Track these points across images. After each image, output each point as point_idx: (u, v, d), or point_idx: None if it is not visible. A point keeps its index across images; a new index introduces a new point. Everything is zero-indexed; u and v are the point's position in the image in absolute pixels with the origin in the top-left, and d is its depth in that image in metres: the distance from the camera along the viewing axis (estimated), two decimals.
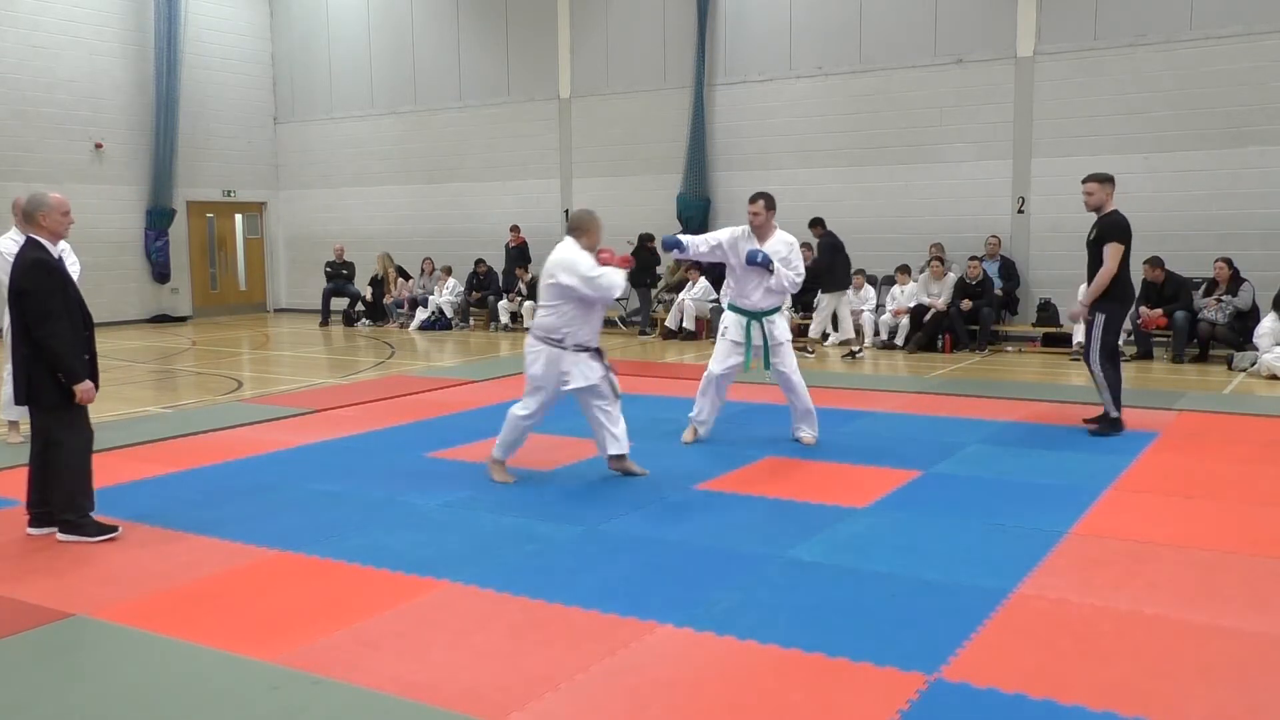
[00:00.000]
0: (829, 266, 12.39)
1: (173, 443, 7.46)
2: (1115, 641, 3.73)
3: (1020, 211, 13.53)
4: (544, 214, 16.92)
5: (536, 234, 16.22)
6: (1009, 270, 13.32)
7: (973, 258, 12.97)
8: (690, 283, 14.63)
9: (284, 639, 3.83)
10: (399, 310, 17.06)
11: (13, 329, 4.98)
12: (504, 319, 16.01)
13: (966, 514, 5.37)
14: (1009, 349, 12.84)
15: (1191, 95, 12.46)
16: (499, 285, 16.59)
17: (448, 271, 16.86)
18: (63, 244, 5.34)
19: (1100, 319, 7.24)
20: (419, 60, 18.28)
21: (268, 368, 12.54)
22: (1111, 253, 7.15)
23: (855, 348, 12.39)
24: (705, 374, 7.12)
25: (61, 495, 4.95)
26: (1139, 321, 11.73)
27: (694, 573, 4.52)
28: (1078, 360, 11.57)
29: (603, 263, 5.89)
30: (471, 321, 16.66)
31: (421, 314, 16.62)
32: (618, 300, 15.72)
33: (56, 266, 4.91)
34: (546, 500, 5.79)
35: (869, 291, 13.74)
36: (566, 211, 16.83)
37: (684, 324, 14.50)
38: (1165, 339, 11.79)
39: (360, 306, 17.60)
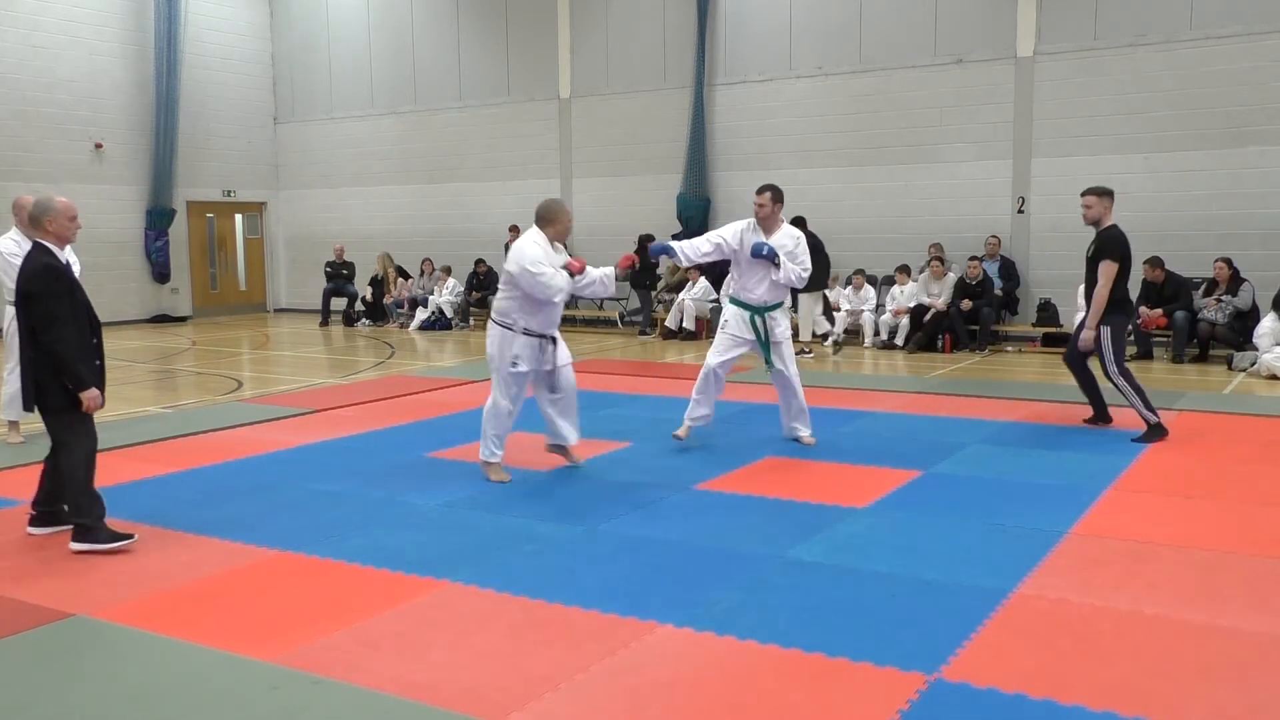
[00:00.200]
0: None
1: (173, 443, 7.46)
2: (1115, 641, 3.73)
3: (1020, 211, 13.53)
4: None
5: None
6: (1009, 270, 13.32)
7: (973, 258, 12.97)
8: (690, 283, 14.63)
9: (284, 639, 3.83)
10: (399, 310, 17.06)
11: (19, 333, 4.96)
12: None
13: (966, 514, 5.37)
14: (1009, 349, 12.84)
15: (1191, 95, 12.46)
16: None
17: (447, 271, 16.86)
18: None
19: (1105, 332, 7.26)
20: (419, 60, 18.28)
21: (268, 368, 12.54)
22: (1105, 271, 7.19)
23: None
24: (704, 368, 7.01)
25: (69, 501, 4.92)
26: (1139, 321, 11.73)
27: (694, 573, 4.52)
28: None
29: (568, 268, 6.01)
30: (471, 321, 16.66)
31: (421, 314, 16.62)
32: (617, 300, 15.93)
33: (64, 272, 4.88)
34: (546, 500, 5.79)
35: (869, 291, 13.74)
36: None
37: (684, 324, 14.50)
38: (1165, 339, 11.79)
39: (360, 306, 17.60)
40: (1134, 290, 11.83)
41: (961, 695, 3.31)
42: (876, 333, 13.37)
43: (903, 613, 4.02)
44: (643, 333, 15.05)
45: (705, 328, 14.20)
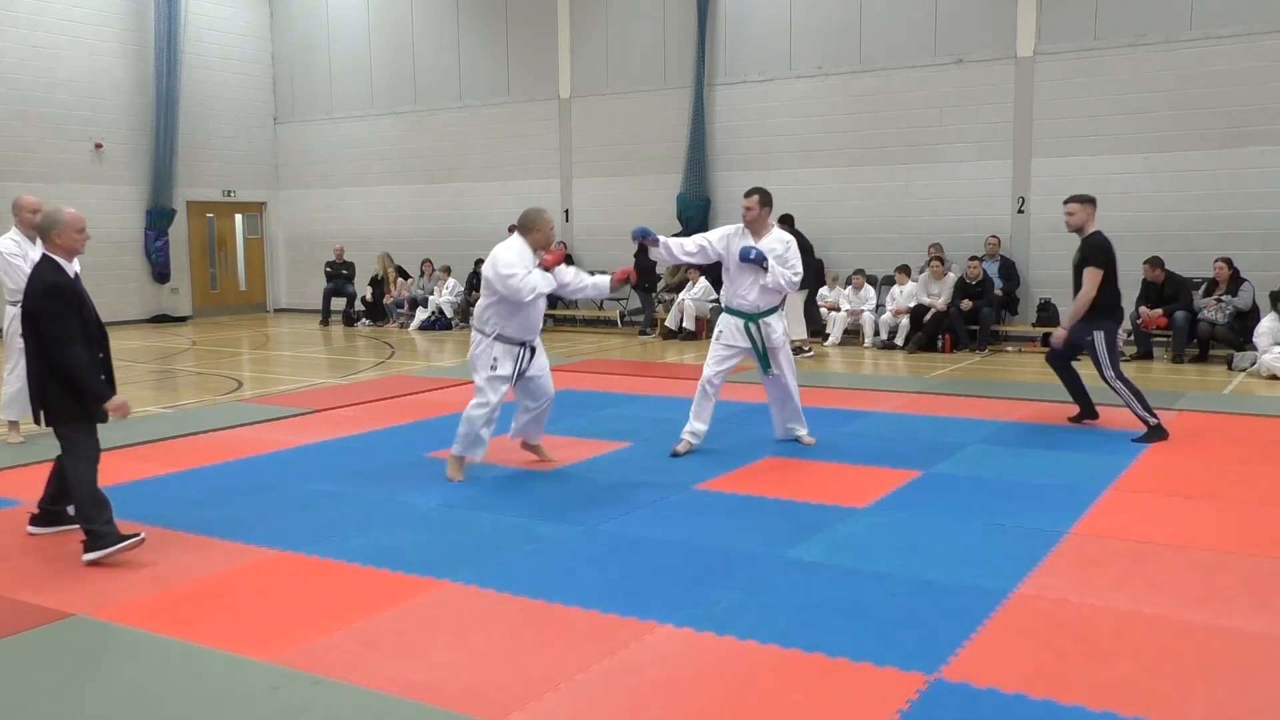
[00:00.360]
0: None
1: (173, 443, 7.46)
2: (1115, 641, 3.73)
3: (1020, 211, 13.53)
4: None
5: None
6: (1009, 270, 13.32)
7: (973, 258, 12.97)
8: (690, 282, 14.64)
9: (284, 639, 3.83)
10: (399, 310, 17.06)
11: (26, 346, 4.89)
12: None
13: (966, 514, 5.37)
14: (1009, 349, 12.84)
15: (1191, 95, 12.46)
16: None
17: (447, 271, 16.87)
18: None
19: (1099, 337, 7.32)
20: (419, 60, 18.28)
21: (268, 368, 12.54)
22: (1090, 278, 7.25)
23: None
24: (701, 380, 6.87)
25: (77, 509, 4.86)
26: (1139, 321, 11.74)
27: (694, 573, 4.52)
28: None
29: (543, 264, 6.07)
30: (471, 321, 16.64)
31: (421, 314, 16.62)
32: (618, 300, 15.92)
33: (71, 289, 4.78)
34: (546, 500, 5.79)
35: (869, 291, 13.75)
36: (567, 212, 16.85)
37: (684, 324, 14.49)
38: (1165, 339, 11.80)
39: (360, 306, 17.60)
40: (1134, 290, 11.97)
41: (961, 695, 3.31)
42: (876, 333, 13.37)
43: (903, 613, 4.02)
44: (643, 333, 15.05)
45: (705, 328, 14.19)
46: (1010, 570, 4.47)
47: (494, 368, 6.13)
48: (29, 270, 5.11)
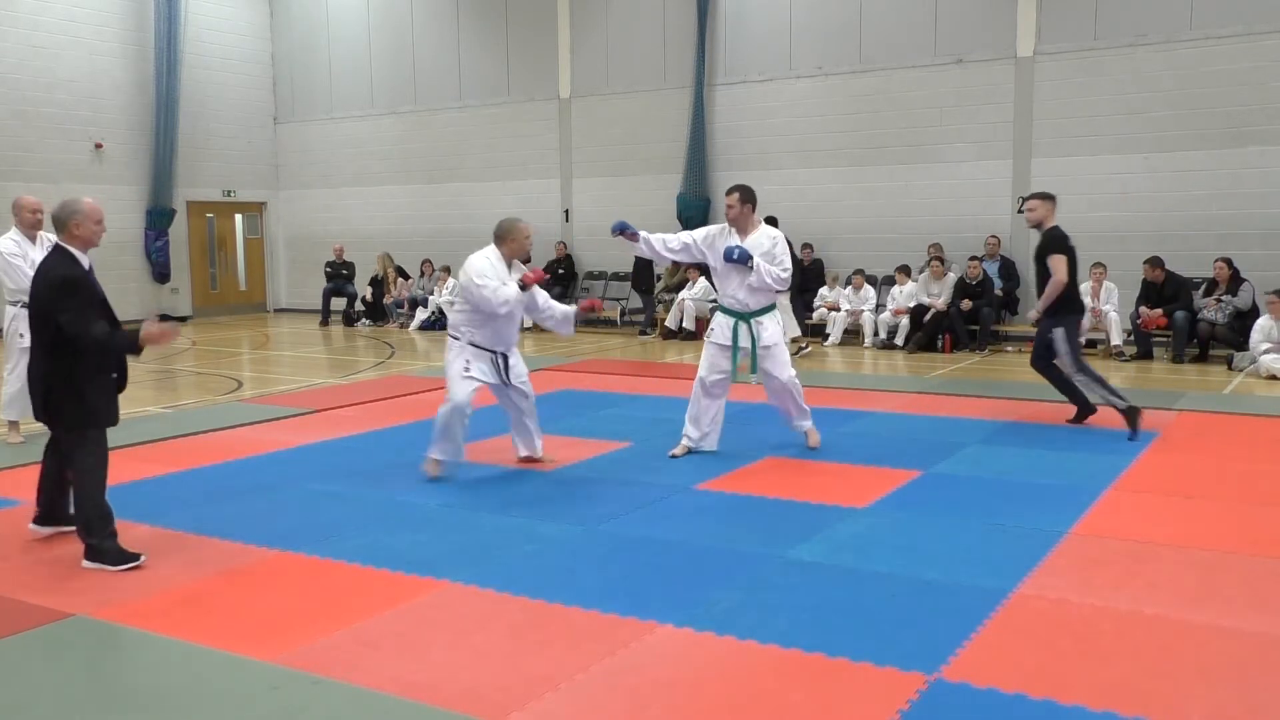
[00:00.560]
0: None
1: (173, 443, 7.46)
2: (1115, 641, 3.73)
3: (1020, 211, 13.48)
4: (544, 214, 16.91)
5: (537, 234, 15.91)
6: (1009, 270, 13.32)
7: (973, 258, 12.97)
8: (690, 282, 14.63)
9: (284, 639, 3.83)
10: (399, 310, 17.06)
11: (32, 343, 4.76)
12: None
13: (966, 514, 5.37)
14: (1009, 349, 12.84)
15: (1191, 95, 12.46)
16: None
17: (447, 271, 16.84)
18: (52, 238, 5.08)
19: (1059, 333, 7.50)
20: (419, 60, 18.28)
21: (268, 368, 12.54)
22: (1057, 262, 7.46)
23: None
24: (695, 382, 6.85)
25: (79, 518, 4.78)
26: (1139, 321, 11.74)
27: (694, 573, 4.52)
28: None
29: (524, 279, 6.08)
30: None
31: (421, 314, 16.61)
32: (617, 300, 15.92)
33: (86, 283, 4.66)
34: (546, 500, 5.79)
35: (869, 291, 13.75)
36: (567, 212, 16.85)
37: (684, 324, 14.49)
38: (1165, 339, 11.79)
39: (360, 306, 17.60)
40: (1134, 290, 11.98)
41: (961, 695, 3.31)
42: (876, 333, 13.36)
43: (903, 613, 4.02)
44: (643, 333, 15.05)
45: (705, 328, 14.17)
46: (1010, 570, 4.47)
47: (466, 369, 6.16)
48: (29, 270, 5.00)
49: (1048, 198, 7.71)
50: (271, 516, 5.49)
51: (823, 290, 14.04)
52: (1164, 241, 12.32)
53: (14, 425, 7.44)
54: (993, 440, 7.25)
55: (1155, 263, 11.77)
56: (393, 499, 5.82)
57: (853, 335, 13.65)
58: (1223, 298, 11.46)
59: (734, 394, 8.06)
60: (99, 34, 17.29)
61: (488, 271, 6.02)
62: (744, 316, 6.66)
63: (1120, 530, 5.07)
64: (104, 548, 4.68)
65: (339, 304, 17.70)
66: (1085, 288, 12.20)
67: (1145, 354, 11.76)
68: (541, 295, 6.40)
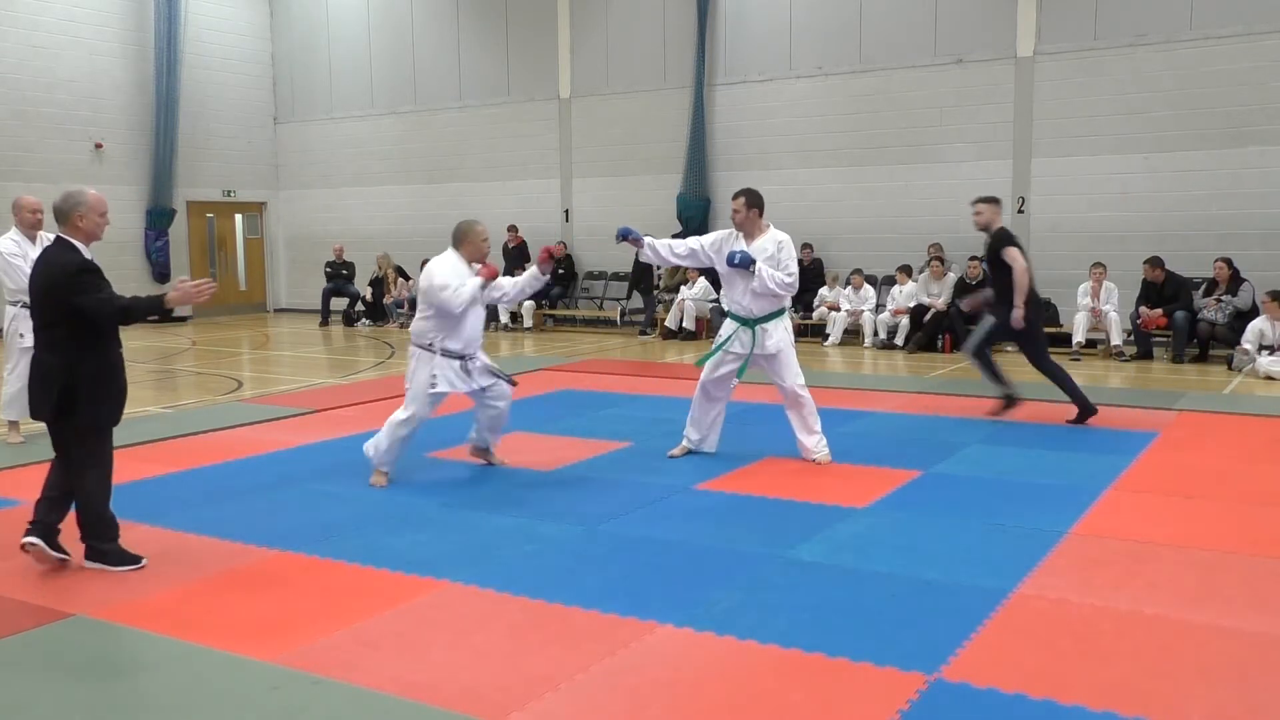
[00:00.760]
0: None
1: (173, 443, 7.46)
2: (1115, 641, 3.73)
3: (1020, 211, 13.53)
4: (544, 214, 16.93)
5: (537, 234, 16.22)
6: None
7: (973, 258, 12.95)
8: (690, 282, 14.63)
9: (284, 639, 3.83)
10: (399, 310, 17.06)
11: (37, 343, 4.64)
12: (503, 319, 16.01)
13: (966, 514, 5.37)
14: (1009, 349, 12.81)
15: (1191, 95, 12.46)
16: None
17: None
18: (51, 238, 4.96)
19: (989, 321, 7.92)
20: (419, 60, 18.28)
21: (268, 368, 12.54)
22: (1013, 256, 7.68)
23: None
24: (698, 384, 6.79)
25: (83, 521, 4.73)
26: (1139, 322, 11.74)
27: (694, 573, 4.52)
28: (1079, 360, 11.59)
29: (480, 275, 6.04)
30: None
31: None
32: (618, 300, 15.92)
33: (95, 267, 4.57)
34: (546, 500, 5.79)
35: (869, 291, 13.75)
36: (567, 212, 16.85)
37: (684, 324, 14.50)
38: (1165, 339, 11.80)
39: (360, 306, 17.60)
40: (1134, 290, 11.98)
41: (961, 695, 3.31)
42: (876, 333, 13.37)
43: (903, 613, 4.02)
44: (643, 333, 15.06)
45: (705, 327, 14.20)
46: (1010, 570, 4.47)
47: (433, 384, 6.06)
48: (29, 270, 4.92)
49: (994, 201, 7.98)
50: (271, 516, 5.49)
51: (823, 290, 14.05)
52: (1164, 241, 12.32)
53: (14, 425, 7.44)
54: (993, 440, 7.25)
55: (1155, 263, 11.78)
56: (393, 499, 5.82)
57: (853, 335, 13.65)
58: (1223, 298, 11.46)
59: (734, 394, 8.05)
60: (99, 34, 17.30)
61: (449, 274, 5.99)
62: (749, 323, 6.52)
63: (1120, 530, 5.07)
64: (106, 550, 4.67)
65: (339, 304, 17.70)
66: (1085, 287, 12.27)
67: (1145, 354, 11.76)
68: (505, 282, 6.32)
